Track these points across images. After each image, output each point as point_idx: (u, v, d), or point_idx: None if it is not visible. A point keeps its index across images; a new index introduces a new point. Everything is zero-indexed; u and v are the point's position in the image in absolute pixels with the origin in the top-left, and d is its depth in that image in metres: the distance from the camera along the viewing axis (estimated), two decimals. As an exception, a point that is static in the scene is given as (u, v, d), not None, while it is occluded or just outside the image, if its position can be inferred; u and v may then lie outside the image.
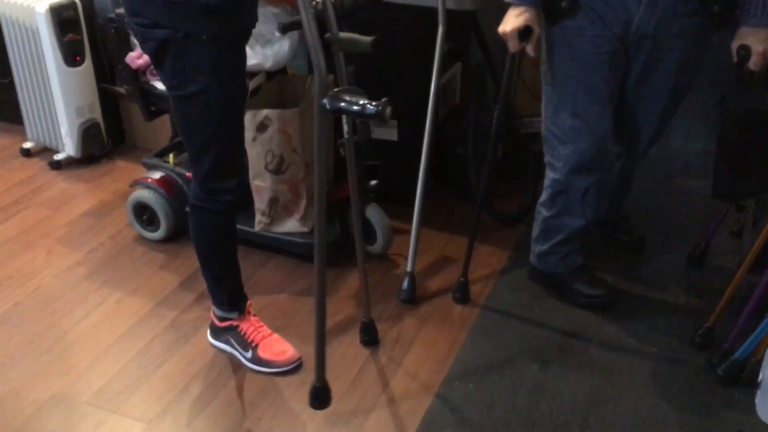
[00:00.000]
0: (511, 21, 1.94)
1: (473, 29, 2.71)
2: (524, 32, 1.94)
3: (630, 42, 1.97)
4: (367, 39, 1.81)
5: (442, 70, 2.37)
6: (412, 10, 2.43)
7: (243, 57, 1.80)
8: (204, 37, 1.63)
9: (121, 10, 2.26)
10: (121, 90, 3.04)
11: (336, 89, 1.44)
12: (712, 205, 2.60)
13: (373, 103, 1.38)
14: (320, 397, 1.76)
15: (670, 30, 1.92)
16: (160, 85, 2.39)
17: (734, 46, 1.87)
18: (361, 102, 1.39)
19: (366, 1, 2.25)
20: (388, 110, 1.40)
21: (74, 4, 2.92)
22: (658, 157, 3.18)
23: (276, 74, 2.55)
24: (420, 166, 2.33)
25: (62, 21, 2.88)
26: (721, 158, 2.05)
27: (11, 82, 3.18)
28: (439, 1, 2.28)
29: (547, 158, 2.21)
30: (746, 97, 1.95)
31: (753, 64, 1.84)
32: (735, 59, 1.87)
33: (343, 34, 1.79)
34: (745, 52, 1.83)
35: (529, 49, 1.98)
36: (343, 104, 1.41)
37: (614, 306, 2.31)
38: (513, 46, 1.96)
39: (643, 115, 2.16)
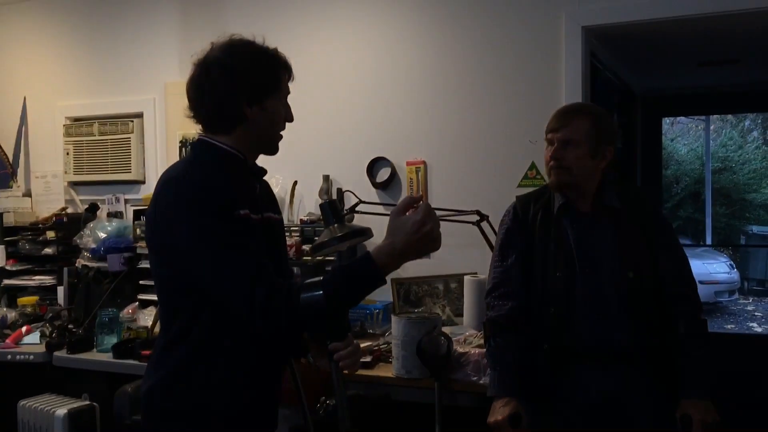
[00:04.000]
0: (500, 411, 2.04)
1: None
2: (514, 419, 2.02)
3: (601, 414, 2.08)
4: None
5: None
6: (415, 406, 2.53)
7: None
8: None
9: (137, 417, 2.36)
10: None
11: None
12: None
13: None
14: None
15: (632, 400, 2.08)
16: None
17: (678, 414, 2.05)
18: None
19: (374, 401, 2.37)
20: None
21: (92, 409, 3.02)
22: None
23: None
24: None
25: (79, 425, 2.94)
26: None
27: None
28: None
29: None
30: None
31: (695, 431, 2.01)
32: (679, 425, 2.04)
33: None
34: (686, 420, 2.02)
35: None
36: None
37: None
38: None
39: None
